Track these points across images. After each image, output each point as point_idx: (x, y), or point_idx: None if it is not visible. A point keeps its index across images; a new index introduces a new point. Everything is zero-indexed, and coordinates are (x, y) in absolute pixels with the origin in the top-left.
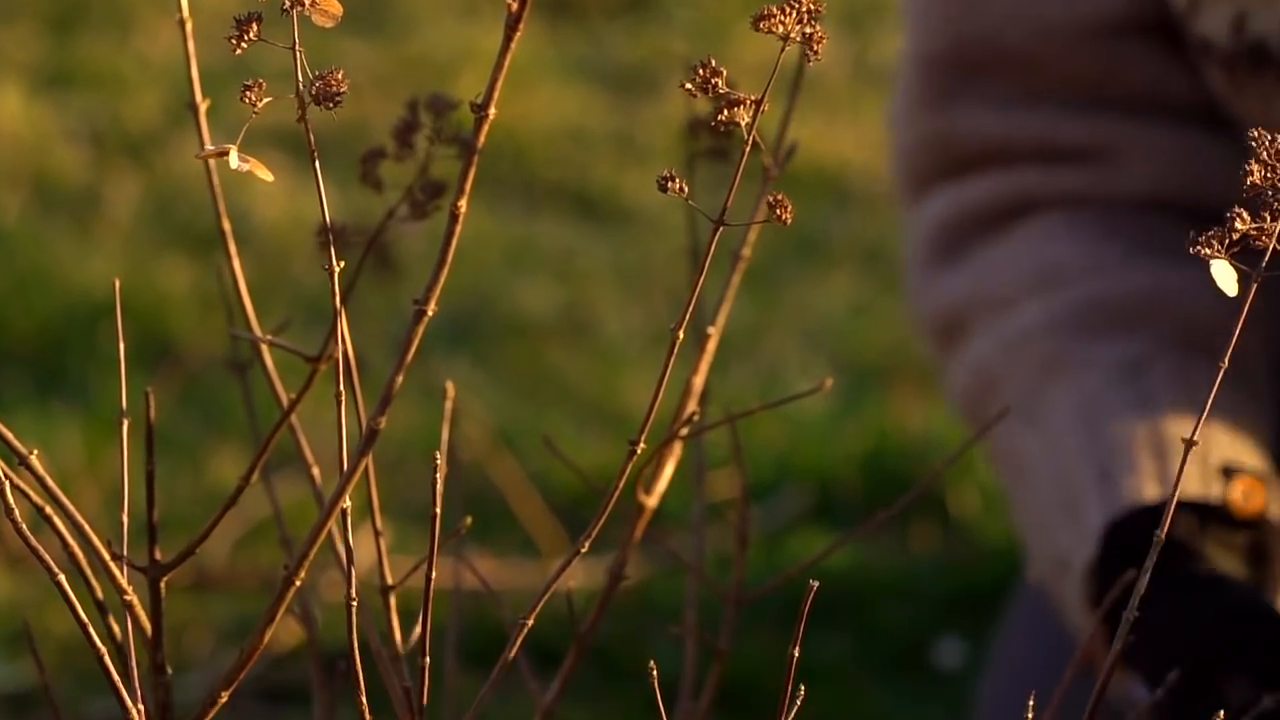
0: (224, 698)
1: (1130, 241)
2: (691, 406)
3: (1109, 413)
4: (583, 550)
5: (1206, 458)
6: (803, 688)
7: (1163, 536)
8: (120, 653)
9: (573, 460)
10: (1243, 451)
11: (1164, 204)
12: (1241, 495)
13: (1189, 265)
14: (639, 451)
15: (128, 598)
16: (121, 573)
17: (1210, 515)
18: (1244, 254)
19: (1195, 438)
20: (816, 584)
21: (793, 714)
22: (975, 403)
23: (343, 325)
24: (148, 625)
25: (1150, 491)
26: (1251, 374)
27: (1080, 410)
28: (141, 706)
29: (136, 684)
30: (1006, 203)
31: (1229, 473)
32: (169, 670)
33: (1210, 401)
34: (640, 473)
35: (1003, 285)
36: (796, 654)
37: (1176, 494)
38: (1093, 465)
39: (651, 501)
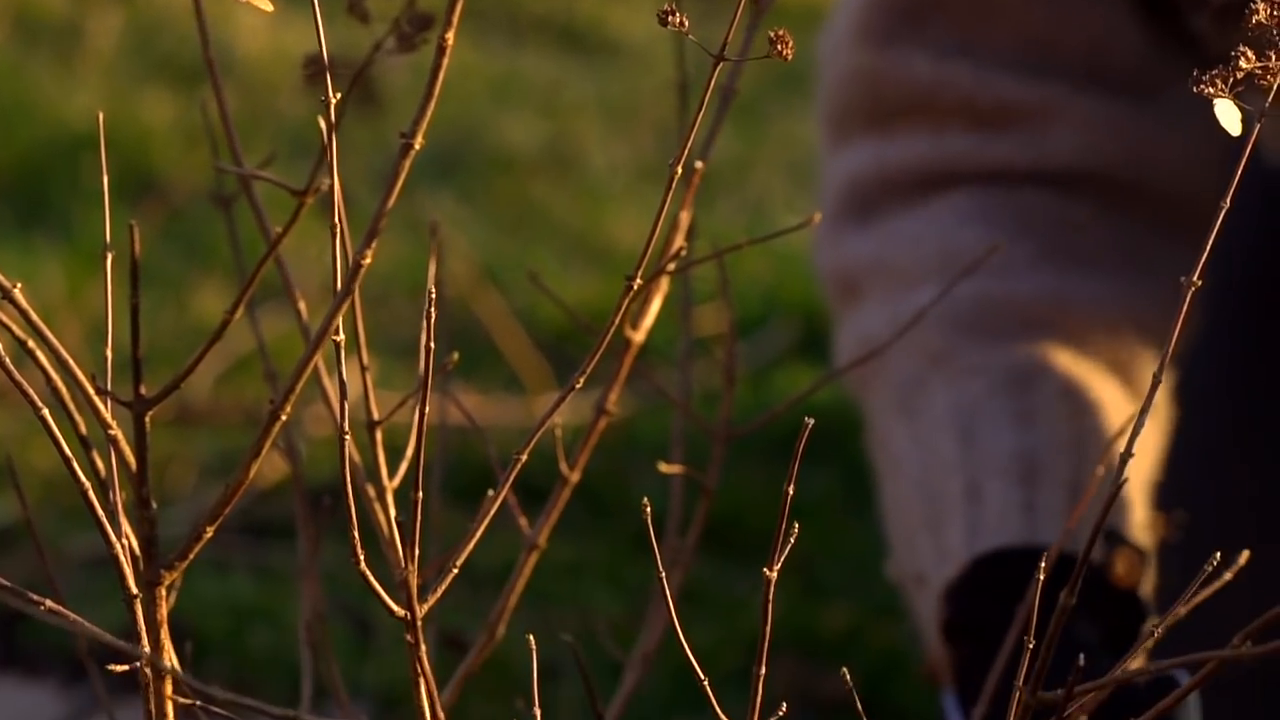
0: (208, 533)
1: (1042, 242)
2: (678, 242)
3: (986, 424)
4: (577, 387)
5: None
6: (795, 525)
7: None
8: (104, 488)
9: (558, 295)
10: (1129, 510)
11: (1089, 176)
12: (1124, 567)
13: (1096, 274)
14: (635, 287)
15: (111, 432)
16: (105, 407)
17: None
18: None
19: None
20: (810, 421)
21: (785, 552)
22: (860, 376)
23: (333, 158)
24: (131, 460)
25: (1017, 520)
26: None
27: (957, 415)
28: (125, 541)
29: (120, 519)
30: (928, 171)
31: (1113, 539)
32: (153, 505)
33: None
34: (627, 307)
35: (905, 260)
36: (790, 491)
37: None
38: (961, 478)
39: (638, 337)
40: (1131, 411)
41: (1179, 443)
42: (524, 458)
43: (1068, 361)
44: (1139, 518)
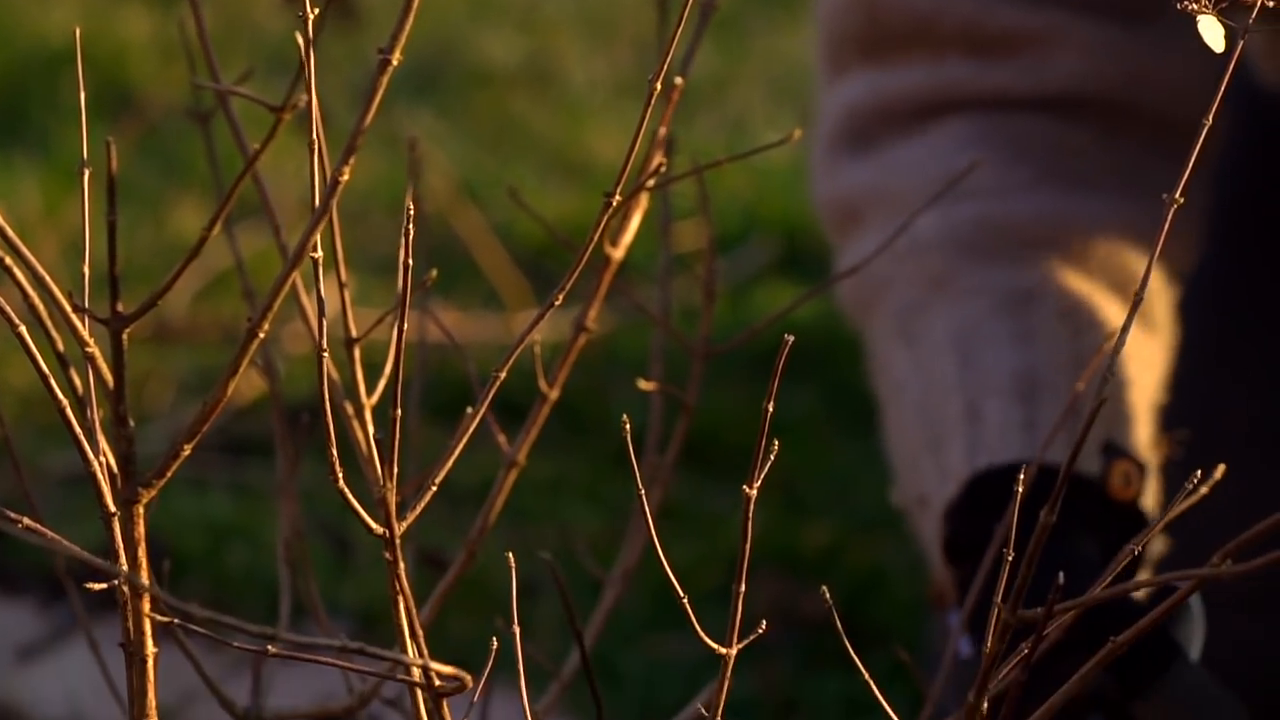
0: (186, 450)
1: (1041, 166)
2: (658, 158)
3: (986, 344)
4: (556, 304)
5: (1101, 435)
6: (775, 443)
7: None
8: (81, 405)
9: (537, 211)
10: (1131, 425)
11: (1088, 101)
12: (1121, 480)
13: (1096, 195)
14: (614, 203)
15: (89, 349)
16: (83, 324)
17: (1083, 489)
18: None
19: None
20: (791, 339)
21: (765, 470)
22: (860, 304)
23: (311, 74)
24: (109, 377)
25: (1017, 438)
26: (1151, 306)
27: (958, 337)
28: (103, 459)
29: (98, 436)
30: (926, 99)
31: (1110, 452)
32: (130, 422)
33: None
34: (606, 224)
35: (906, 187)
36: (771, 409)
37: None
38: (961, 398)
39: (617, 253)
40: (1133, 331)
41: (1180, 361)
42: (503, 375)
43: (1068, 281)
44: (1143, 434)
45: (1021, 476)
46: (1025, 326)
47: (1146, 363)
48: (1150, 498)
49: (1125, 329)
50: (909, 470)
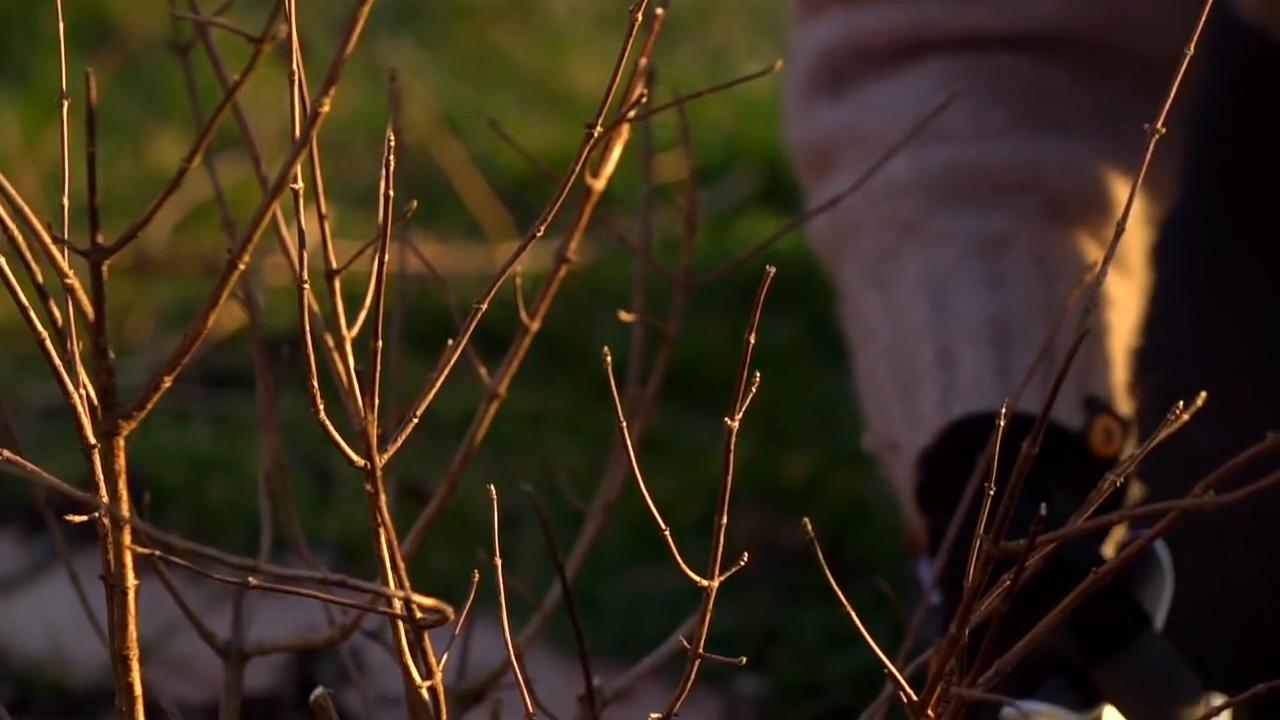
0: (166, 382)
1: (1018, 108)
2: (639, 89)
3: (959, 290)
4: (538, 235)
5: (1078, 381)
6: (757, 375)
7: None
8: (61, 337)
9: (518, 143)
10: (1110, 371)
11: (1065, 40)
12: (1102, 435)
13: (1075, 137)
14: (595, 134)
15: (69, 281)
16: (62, 256)
17: (1063, 443)
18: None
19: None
20: (772, 270)
21: (747, 401)
22: (832, 247)
23: (291, 4)
24: (89, 309)
25: (990, 385)
26: (1126, 251)
27: (930, 283)
28: (83, 391)
29: (78, 368)
30: (902, 38)
31: (1093, 407)
32: (110, 354)
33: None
34: (587, 155)
35: (880, 128)
36: (752, 340)
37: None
38: (933, 344)
39: (599, 185)
40: (1109, 275)
41: (1160, 302)
42: (484, 306)
43: (1041, 226)
44: (1119, 378)
45: (1000, 422)
46: (998, 271)
47: (1122, 307)
48: (1128, 452)
49: (1107, 260)
50: (880, 416)
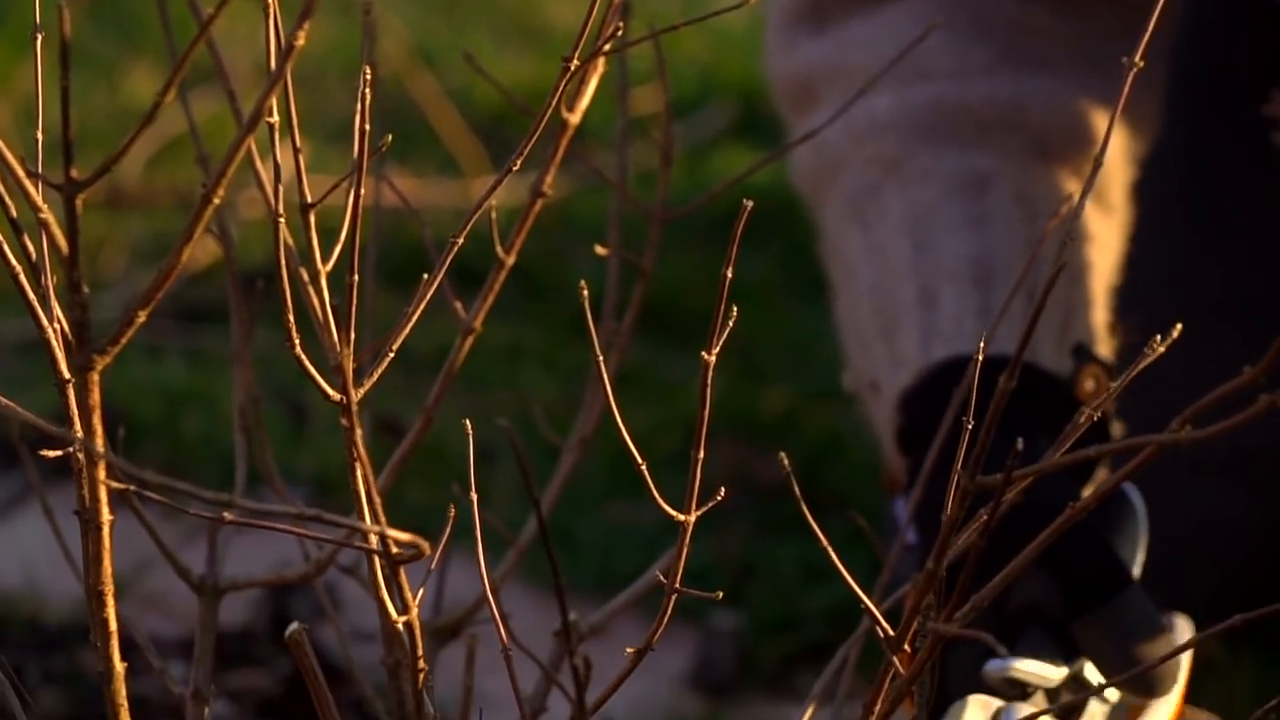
0: (141, 317)
1: (1000, 45)
2: (615, 22)
3: (941, 229)
4: (514, 169)
5: (1060, 321)
6: (734, 309)
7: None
8: (35, 271)
9: (494, 76)
10: (1091, 311)
11: None
12: (1090, 383)
13: (1057, 75)
14: (573, 66)
15: (42, 215)
16: (36, 190)
17: (1050, 390)
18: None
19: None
20: (749, 203)
21: (724, 336)
22: (814, 184)
23: None
24: (63, 243)
25: (972, 325)
26: (1107, 188)
27: (912, 222)
28: (57, 326)
29: (52, 303)
30: None
31: (1081, 355)
32: (85, 289)
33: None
34: (563, 89)
35: (863, 64)
36: (729, 274)
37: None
38: (915, 284)
39: (574, 118)
40: (1089, 211)
41: (1141, 239)
42: (460, 241)
43: (1024, 164)
44: (1100, 318)
45: (979, 358)
46: (980, 211)
47: (1104, 245)
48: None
49: (1084, 194)
50: (861, 354)
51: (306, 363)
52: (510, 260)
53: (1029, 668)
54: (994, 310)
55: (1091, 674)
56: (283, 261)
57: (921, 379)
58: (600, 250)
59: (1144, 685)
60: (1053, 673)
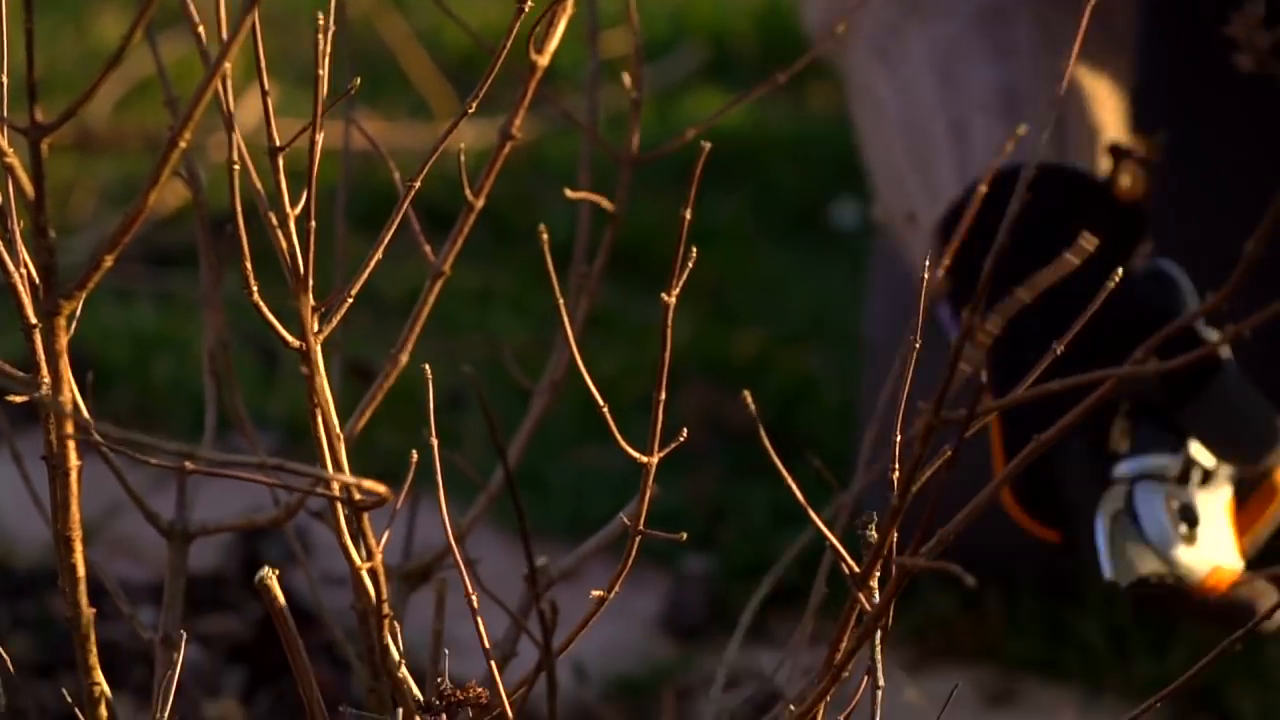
0: (108, 261)
1: None
2: None
3: (967, 61)
4: (470, 111)
5: (1092, 127)
6: (695, 250)
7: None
8: (1, 216)
9: (463, 19)
10: (1103, 130)
11: None
12: (1128, 181)
13: None
14: (528, 8)
15: (8, 159)
16: (1, 134)
17: (1089, 190)
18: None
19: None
20: (709, 145)
21: (685, 276)
22: (828, 27)
23: None
24: (29, 187)
25: (1003, 150)
26: (1115, 21)
27: (937, 58)
28: (24, 270)
29: (18, 247)
30: None
31: (1118, 152)
32: (51, 233)
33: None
34: (532, 31)
35: None
36: (688, 216)
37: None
38: (945, 117)
39: (543, 60)
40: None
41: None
42: (417, 184)
43: None
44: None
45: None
46: (1004, 41)
47: (1106, 98)
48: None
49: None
50: (894, 189)
51: (266, 310)
52: (479, 203)
53: (1156, 461)
54: (1023, 140)
55: (1199, 453)
56: (239, 209)
57: (958, 204)
58: (570, 194)
59: (1254, 452)
60: (1172, 461)
